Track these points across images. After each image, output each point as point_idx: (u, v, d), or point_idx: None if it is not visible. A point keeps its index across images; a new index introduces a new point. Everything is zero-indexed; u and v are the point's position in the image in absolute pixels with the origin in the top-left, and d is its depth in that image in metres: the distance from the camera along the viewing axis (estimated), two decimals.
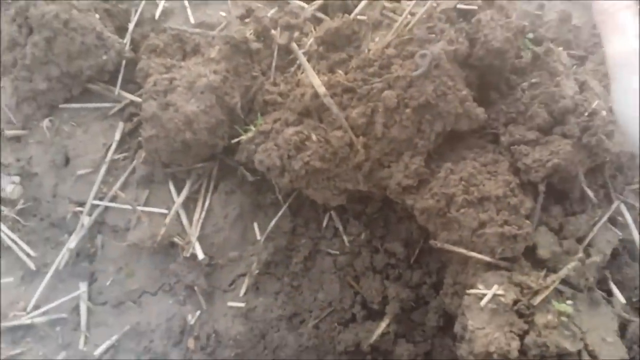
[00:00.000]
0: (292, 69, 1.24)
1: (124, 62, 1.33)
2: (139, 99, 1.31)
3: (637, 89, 0.68)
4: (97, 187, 1.29)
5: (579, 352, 0.95)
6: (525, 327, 0.97)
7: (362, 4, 1.24)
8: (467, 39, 1.10)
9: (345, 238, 1.25)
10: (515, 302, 0.98)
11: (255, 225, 1.27)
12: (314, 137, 1.08)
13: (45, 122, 1.33)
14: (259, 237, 1.26)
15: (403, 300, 1.20)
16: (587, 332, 0.98)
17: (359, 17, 1.22)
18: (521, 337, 0.95)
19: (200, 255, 1.22)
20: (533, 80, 1.14)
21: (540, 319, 0.97)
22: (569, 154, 1.04)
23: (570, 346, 0.94)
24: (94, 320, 1.28)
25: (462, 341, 1.00)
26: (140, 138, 1.23)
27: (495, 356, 0.92)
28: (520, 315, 0.98)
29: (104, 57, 1.28)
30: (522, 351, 0.94)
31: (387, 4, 1.21)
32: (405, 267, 1.24)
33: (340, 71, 1.15)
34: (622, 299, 1.07)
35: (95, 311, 1.28)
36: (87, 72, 1.28)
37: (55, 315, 1.27)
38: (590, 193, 1.12)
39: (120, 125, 1.32)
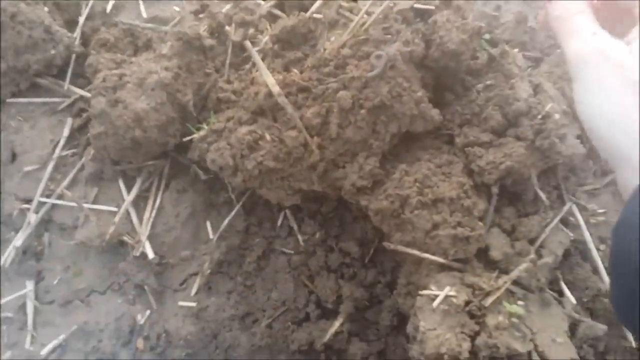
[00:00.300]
0: (247, 67, 1.22)
1: (73, 56, 1.30)
2: (88, 94, 1.27)
3: (598, 86, 0.68)
4: (45, 184, 1.25)
5: (529, 353, 0.96)
6: (477, 328, 0.97)
7: (318, 2, 1.22)
8: (423, 40, 1.09)
9: (299, 237, 1.24)
10: (467, 303, 0.99)
11: (208, 224, 1.25)
12: (267, 137, 1.07)
13: None
14: (211, 236, 1.23)
15: (357, 299, 1.20)
16: (537, 332, 0.99)
17: (315, 15, 1.21)
18: (472, 338, 0.96)
19: (151, 255, 1.20)
20: (488, 82, 1.14)
21: (491, 320, 0.98)
22: (522, 157, 1.04)
23: (520, 347, 0.95)
24: (40, 320, 1.24)
25: (414, 342, 1.00)
26: (89, 134, 1.19)
27: (446, 357, 0.92)
28: (472, 316, 0.99)
29: (53, 52, 1.24)
30: (473, 352, 0.95)
31: (343, 3, 1.20)
32: (359, 266, 1.24)
33: (295, 70, 1.14)
34: (573, 300, 1.09)
35: (42, 310, 1.24)
36: (34, 66, 1.24)
37: (1, 314, 1.23)
38: (542, 195, 1.13)
39: (69, 121, 1.29)
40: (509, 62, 1.16)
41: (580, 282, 1.13)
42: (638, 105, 0.64)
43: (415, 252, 1.04)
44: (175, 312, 1.22)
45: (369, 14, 1.12)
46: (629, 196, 0.62)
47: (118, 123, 1.09)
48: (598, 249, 1.16)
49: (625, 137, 0.64)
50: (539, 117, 1.08)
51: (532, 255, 1.05)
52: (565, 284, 1.11)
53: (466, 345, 0.94)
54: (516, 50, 1.23)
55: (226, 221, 1.23)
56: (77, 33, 1.31)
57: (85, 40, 1.33)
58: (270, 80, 1.07)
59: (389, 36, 1.06)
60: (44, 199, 1.25)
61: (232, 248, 1.23)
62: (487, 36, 1.26)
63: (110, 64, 1.16)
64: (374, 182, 1.08)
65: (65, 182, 1.26)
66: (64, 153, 1.28)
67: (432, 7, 1.17)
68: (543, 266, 1.05)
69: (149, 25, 1.31)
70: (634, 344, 1.10)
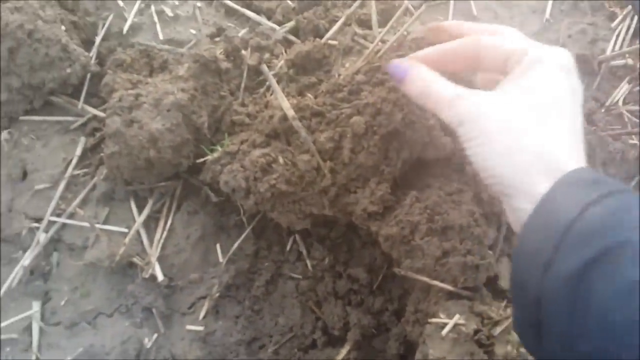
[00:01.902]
0: (261, 90, 1.24)
1: (88, 75, 1.31)
2: (102, 114, 1.28)
3: (480, 138, 0.75)
4: (55, 203, 1.25)
5: None
6: (485, 357, 0.96)
7: (334, 28, 1.24)
8: None
9: (308, 262, 1.24)
10: (476, 332, 0.98)
11: (218, 246, 1.24)
12: (281, 160, 1.07)
13: (4, 135, 1.29)
14: (220, 259, 1.23)
15: (364, 326, 1.19)
16: None
17: (330, 41, 1.23)
18: None
19: (160, 277, 1.19)
20: None
21: (499, 349, 0.97)
22: None
23: None
24: (46, 342, 1.22)
25: None
26: (102, 154, 1.20)
27: None
28: (481, 345, 0.98)
29: (68, 70, 1.25)
30: None
31: (358, 30, 1.22)
32: (367, 293, 1.23)
33: (309, 95, 1.15)
34: None
35: (47, 332, 1.23)
36: (49, 84, 1.25)
37: (5, 336, 1.22)
38: None
39: (82, 140, 1.29)
40: None
41: None
42: (518, 143, 0.71)
43: (425, 279, 1.03)
44: (182, 336, 1.21)
45: (383, 41, 1.13)
46: (524, 223, 0.67)
47: (133, 143, 1.09)
48: None
49: (514, 169, 0.71)
50: None
51: None
52: None
53: None
54: None
55: (236, 244, 1.23)
56: (93, 52, 1.33)
57: (101, 60, 1.34)
58: (285, 104, 1.08)
59: None
60: (54, 218, 1.25)
61: (241, 272, 1.22)
62: None
63: (126, 84, 1.17)
64: (384, 208, 1.08)
65: (76, 202, 1.25)
66: (76, 172, 1.28)
67: None
68: None
69: (166, 46, 1.32)
70: None
